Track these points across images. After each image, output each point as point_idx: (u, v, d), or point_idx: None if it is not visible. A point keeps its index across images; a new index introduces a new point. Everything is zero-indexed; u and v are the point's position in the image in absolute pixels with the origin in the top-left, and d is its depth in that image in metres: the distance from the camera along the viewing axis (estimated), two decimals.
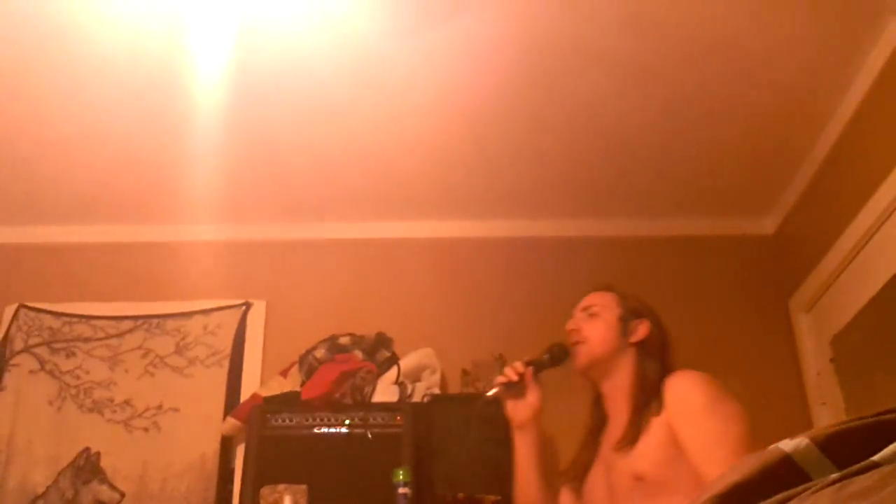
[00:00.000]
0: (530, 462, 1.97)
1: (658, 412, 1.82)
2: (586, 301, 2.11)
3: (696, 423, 1.79)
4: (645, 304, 2.10)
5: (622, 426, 1.88)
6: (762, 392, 3.22)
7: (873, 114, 2.71)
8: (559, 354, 2.08)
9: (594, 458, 1.96)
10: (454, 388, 3.06)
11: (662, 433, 1.79)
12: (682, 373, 1.92)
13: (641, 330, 2.02)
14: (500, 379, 2.02)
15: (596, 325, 2.03)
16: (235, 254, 3.46)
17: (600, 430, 1.99)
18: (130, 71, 2.67)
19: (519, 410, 2.00)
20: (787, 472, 0.75)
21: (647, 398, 1.87)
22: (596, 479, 1.92)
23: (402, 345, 3.04)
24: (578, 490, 1.96)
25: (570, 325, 2.07)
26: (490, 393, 2.03)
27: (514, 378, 1.99)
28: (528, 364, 2.03)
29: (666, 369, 1.95)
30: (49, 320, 3.30)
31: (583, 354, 2.01)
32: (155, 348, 3.26)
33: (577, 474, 1.98)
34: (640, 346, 2.00)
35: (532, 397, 2.00)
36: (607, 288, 2.13)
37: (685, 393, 1.84)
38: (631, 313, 2.04)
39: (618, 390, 1.96)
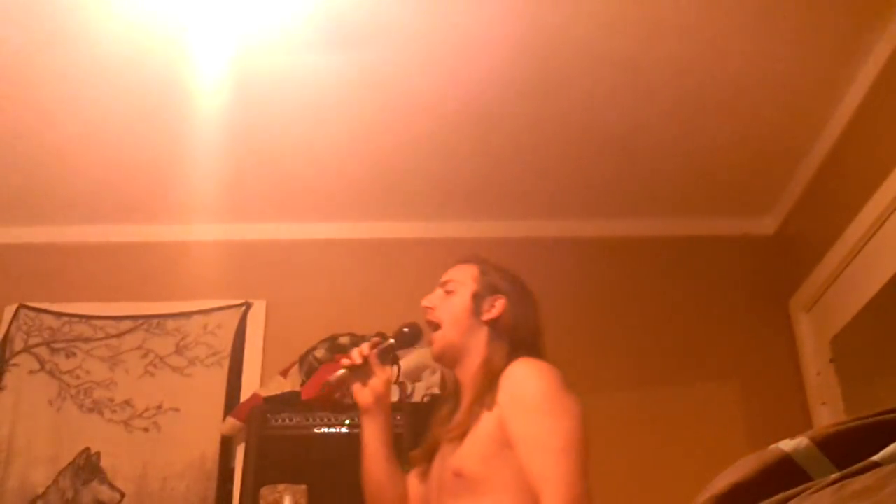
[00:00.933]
0: (377, 446, 1.87)
1: (491, 404, 1.72)
2: (446, 276, 1.96)
3: (527, 417, 1.69)
4: (511, 279, 1.95)
5: (459, 415, 1.79)
6: (762, 392, 3.23)
7: (873, 114, 2.71)
8: (408, 338, 1.96)
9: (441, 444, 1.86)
10: None
11: (491, 427, 1.69)
12: (519, 362, 1.78)
13: (496, 307, 1.87)
14: (344, 362, 1.91)
15: (450, 306, 1.90)
16: (235, 254, 3.46)
17: (452, 414, 1.88)
18: (130, 71, 2.67)
19: (363, 394, 1.88)
20: (787, 472, 0.75)
21: (486, 385, 1.76)
22: (435, 468, 1.82)
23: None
24: (426, 474, 1.87)
25: (425, 302, 1.94)
26: (335, 375, 1.93)
27: (358, 361, 1.88)
28: (374, 346, 1.92)
29: (518, 353, 1.81)
30: (49, 320, 3.30)
31: (437, 342, 1.89)
32: (155, 348, 3.26)
33: (425, 458, 1.88)
34: (493, 325, 1.86)
35: (376, 381, 1.88)
36: (471, 260, 1.98)
37: (519, 384, 1.73)
38: (488, 289, 1.90)
39: (469, 375, 1.85)
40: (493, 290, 1.90)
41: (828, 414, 3.01)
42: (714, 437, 3.10)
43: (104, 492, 2.99)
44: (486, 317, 1.87)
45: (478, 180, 3.27)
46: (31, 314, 3.31)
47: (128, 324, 3.30)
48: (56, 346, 3.26)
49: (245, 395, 3.09)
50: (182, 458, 3.04)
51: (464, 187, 3.31)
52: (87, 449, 3.06)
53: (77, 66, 2.65)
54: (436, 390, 2.96)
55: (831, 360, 3.05)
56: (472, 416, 1.73)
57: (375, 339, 1.94)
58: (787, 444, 0.76)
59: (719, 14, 2.50)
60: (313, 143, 3.04)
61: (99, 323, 3.31)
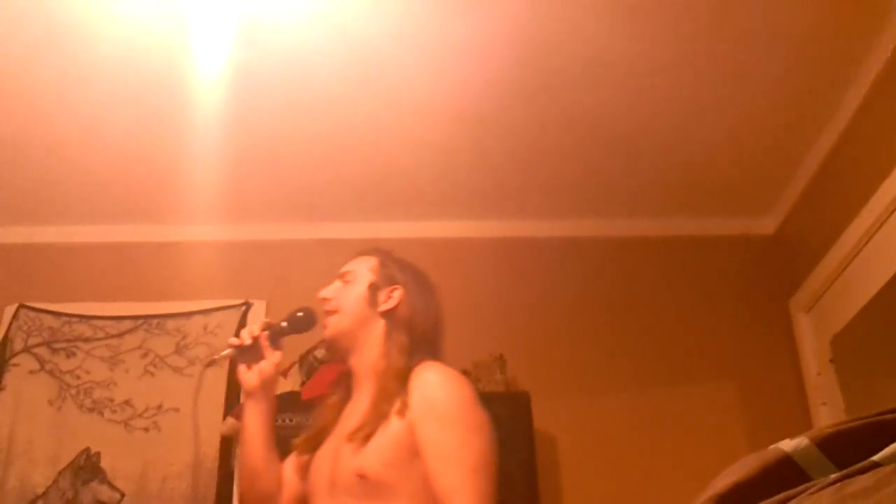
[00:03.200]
0: (258, 431, 1.82)
1: (402, 408, 1.66)
2: (346, 267, 1.95)
3: (439, 427, 1.64)
4: (411, 270, 1.91)
5: (362, 414, 1.71)
6: (762, 392, 3.23)
7: (873, 114, 2.71)
8: (301, 322, 1.93)
9: (329, 435, 1.81)
10: None
11: (400, 431, 1.64)
12: (431, 366, 1.73)
13: (393, 298, 1.84)
14: (233, 341, 1.87)
15: (347, 295, 1.87)
16: (235, 254, 3.46)
17: (343, 405, 1.84)
18: (130, 71, 2.67)
19: (249, 377, 1.84)
20: (787, 472, 0.75)
21: (394, 386, 1.71)
22: (322, 463, 1.76)
23: None
24: (306, 465, 1.82)
25: (322, 293, 1.91)
26: (221, 354, 1.89)
27: (248, 342, 1.84)
28: (265, 328, 1.87)
29: (423, 348, 1.78)
30: (49, 320, 3.30)
31: (331, 326, 1.86)
32: (155, 348, 3.26)
33: (309, 448, 1.83)
34: (389, 317, 1.83)
35: (265, 364, 1.84)
36: (371, 252, 1.96)
37: (432, 391, 1.68)
38: (385, 280, 1.87)
39: (365, 366, 1.81)
40: (391, 281, 1.87)
41: (828, 414, 3.01)
42: (714, 437, 3.10)
43: (104, 492, 2.99)
44: (383, 307, 1.84)
45: (478, 180, 3.27)
46: (31, 314, 3.31)
47: (128, 324, 3.30)
48: (56, 346, 3.26)
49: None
50: (182, 458, 3.04)
51: (464, 187, 3.31)
52: (87, 449, 3.06)
53: (77, 65, 2.65)
54: None
55: (831, 360, 3.05)
56: (380, 418, 1.68)
57: (267, 322, 1.90)
58: (787, 444, 0.77)
59: (719, 14, 2.50)
60: (313, 143, 3.05)
61: (99, 323, 3.31)
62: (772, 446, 0.78)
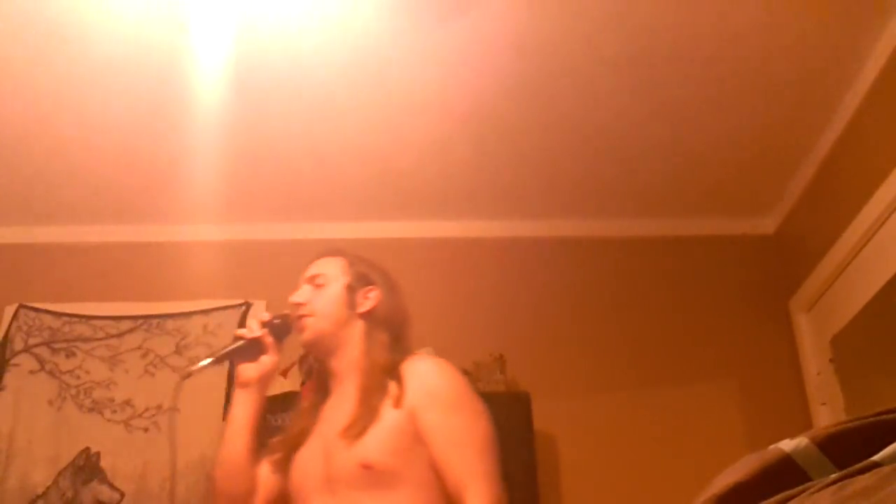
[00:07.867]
0: (245, 423, 1.82)
1: (397, 399, 1.71)
2: (313, 269, 1.95)
3: (443, 413, 1.71)
4: (378, 269, 1.96)
5: (351, 411, 1.73)
6: (762, 392, 3.23)
7: (873, 114, 2.71)
8: (285, 325, 1.92)
9: (309, 435, 1.82)
10: None
11: (400, 421, 1.69)
12: (422, 358, 1.83)
13: (371, 299, 1.88)
14: (242, 332, 1.90)
15: (323, 298, 1.88)
16: (235, 254, 3.46)
17: (320, 405, 1.86)
18: (131, 71, 2.67)
19: (247, 369, 1.86)
20: (787, 472, 0.75)
21: (380, 380, 1.75)
22: (310, 461, 1.77)
23: None
24: (284, 465, 1.82)
25: (294, 298, 1.91)
26: (229, 348, 1.90)
27: (258, 334, 1.87)
28: (264, 325, 1.89)
29: (400, 344, 1.85)
30: (49, 320, 3.30)
31: (308, 329, 1.86)
32: (155, 348, 3.26)
33: (287, 449, 1.83)
34: (369, 316, 1.86)
35: (265, 358, 1.86)
36: (336, 253, 1.99)
37: (431, 381, 1.75)
38: (360, 281, 1.90)
39: (347, 366, 1.83)
40: (366, 282, 1.91)
41: (828, 414, 3.01)
42: (713, 437, 3.10)
43: (104, 492, 2.99)
44: (361, 309, 1.87)
45: (478, 180, 3.27)
46: (31, 314, 3.31)
47: (128, 324, 3.30)
48: (56, 346, 3.26)
49: None
50: (182, 458, 3.04)
51: (464, 187, 3.31)
52: (87, 449, 3.06)
53: (77, 65, 2.65)
54: None
55: (831, 360, 3.05)
56: (372, 412, 1.71)
57: (265, 318, 1.91)
58: (787, 444, 0.77)
59: (718, 14, 2.50)
60: (313, 143, 3.05)
61: (99, 323, 3.31)
62: (772, 446, 0.78)
